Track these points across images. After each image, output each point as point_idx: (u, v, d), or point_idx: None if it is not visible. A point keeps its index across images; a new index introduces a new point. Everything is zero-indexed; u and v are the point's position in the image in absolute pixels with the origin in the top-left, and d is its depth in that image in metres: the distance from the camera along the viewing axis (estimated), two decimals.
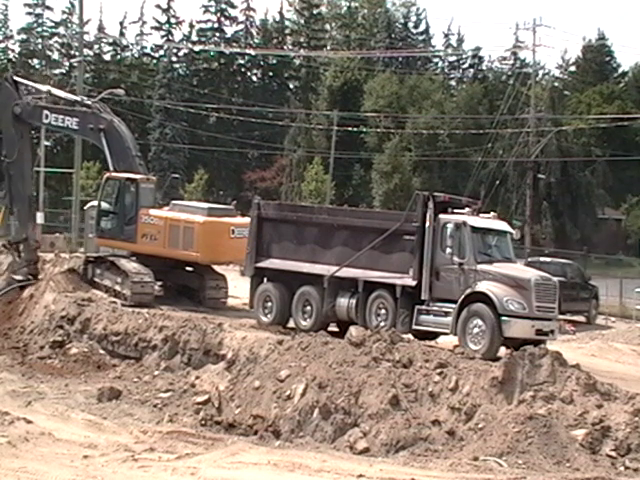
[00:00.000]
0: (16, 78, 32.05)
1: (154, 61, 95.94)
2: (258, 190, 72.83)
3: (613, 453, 16.92)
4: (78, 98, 32.13)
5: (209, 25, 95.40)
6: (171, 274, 28.23)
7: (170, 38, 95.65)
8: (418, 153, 76.87)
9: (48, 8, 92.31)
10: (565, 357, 18.98)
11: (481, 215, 22.45)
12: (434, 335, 21.91)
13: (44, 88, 32.99)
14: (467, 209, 22.20)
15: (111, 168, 28.70)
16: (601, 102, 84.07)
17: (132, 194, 28.00)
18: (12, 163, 30.16)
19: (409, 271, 21.66)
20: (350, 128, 74.52)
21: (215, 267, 28.65)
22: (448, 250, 21.25)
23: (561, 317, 29.39)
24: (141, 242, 27.62)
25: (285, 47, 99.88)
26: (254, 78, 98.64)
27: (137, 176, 28.09)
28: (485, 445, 17.15)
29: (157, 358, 23.64)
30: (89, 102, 30.66)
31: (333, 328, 23.37)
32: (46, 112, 30.37)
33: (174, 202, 29.26)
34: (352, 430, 18.36)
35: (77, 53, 65.10)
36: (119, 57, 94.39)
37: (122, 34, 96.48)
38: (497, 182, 62.44)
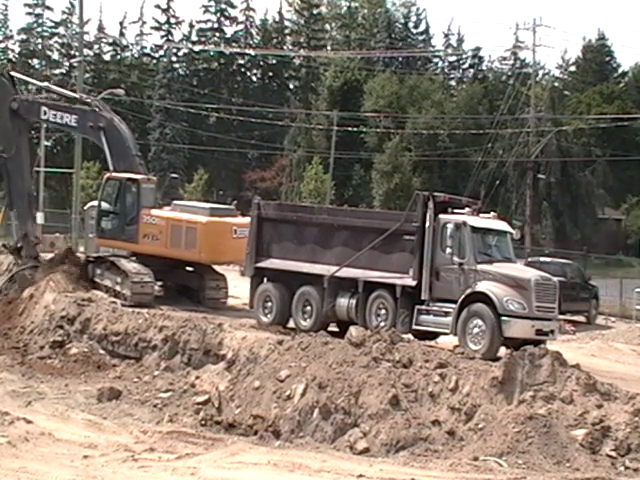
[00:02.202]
0: (13, 73, 31.68)
1: (154, 61, 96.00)
2: (258, 190, 72.82)
3: (613, 453, 16.91)
4: (77, 95, 31.87)
5: (209, 25, 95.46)
6: (171, 274, 28.22)
7: (170, 38, 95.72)
8: (418, 153, 76.84)
9: (48, 8, 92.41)
10: (565, 357, 18.97)
11: (481, 215, 22.45)
12: (434, 335, 21.91)
13: (42, 84, 32.63)
14: (467, 209, 22.20)
15: (111, 167, 28.61)
16: (601, 102, 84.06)
17: (133, 194, 27.93)
18: (10, 159, 29.94)
19: (409, 271, 21.66)
20: (350, 128, 74.50)
21: (215, 267, 28.68)
22: (448, 250, 21.25)
23: (561, 317, 29.39)
24: (142, 242, 27.58)
25: (285, 47, 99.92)
26: (254, 78, 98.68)
27: (138, 176, 28.04)
28: (485, 445, 17.14)
29: (157, 358, 23.63)
30: (89, 100, 30.46)
31: (333, 328, 23.37)
32: (44, 108, 30.04)
33: (175, 202, 29.25)
34: (352, 430, 18.36)
35: (77, 53, 65.06)
36: (119, 57, 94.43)
37: (122, 34, 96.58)
38: (497, 182, 62.45)
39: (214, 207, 29.00)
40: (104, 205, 28.86)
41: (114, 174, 28.43)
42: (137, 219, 27.65)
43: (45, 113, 30.01)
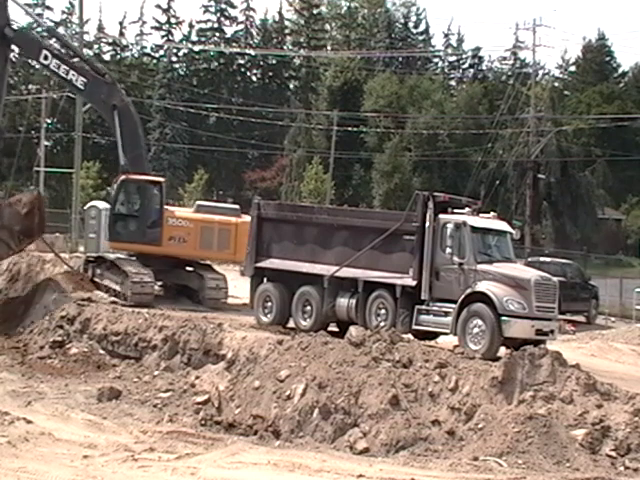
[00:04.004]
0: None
1: (154, 61, 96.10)
2: (258, 190, 72.86)
3: (613, 453, 16.90)
4: (86, 57, 29.34)
5: (209, 25, 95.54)
6: (171, 274, 28.22)
7: (170, 38, 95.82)
8: (418, 153, 76.88)
9: (48, 8, 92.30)
10: (565, 357, 18.97)
11: (481, 215, 22.45)
12: (434, 335, 21.91)
13: (47, 23, 29.62)
14: (467, 209, 22.20)
15: (120, 153, 27.76)
16: (601, 102, 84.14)
17: (155, 197, 27.74)
18: None
19: (409, 271, 21.65)
20: (350, 128, 74.52)
21: (215, 267, 28.72)
22: (448, 250, 21.24)
23: (561, 317, 29.38)
24: (167, 244, 27.46)
25: (285, 47, 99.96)
26: (254, 78, 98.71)
27: (160, 179, 27.96)
28: (485, 445, 17.13)
29: (157, 358, 23.63)
30: (104, 71, 28.50)
31: (333, 328, 23.37)
32: (46, 53, 27.86)
33: (199, 203, 29.41)
34: (352, 430, 18.34)
35: None
36: (119, 57, 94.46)
37: (122, 34, 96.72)
38: (497, 182, 62.45)
39: (237, 208, 29.34)
40: (121, 208, 28.07)
41: (132, 176, 27.75)
42: (160, 221, 27.48)
43: (47, 58, 27.65)
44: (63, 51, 29.89)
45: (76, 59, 29.60)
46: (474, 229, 21.40)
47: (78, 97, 45.70)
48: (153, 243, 27.42)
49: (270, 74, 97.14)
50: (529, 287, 20.58)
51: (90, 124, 74.35)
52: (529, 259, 39.39)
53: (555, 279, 21.81)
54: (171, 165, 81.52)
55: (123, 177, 27.93)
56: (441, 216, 21.65)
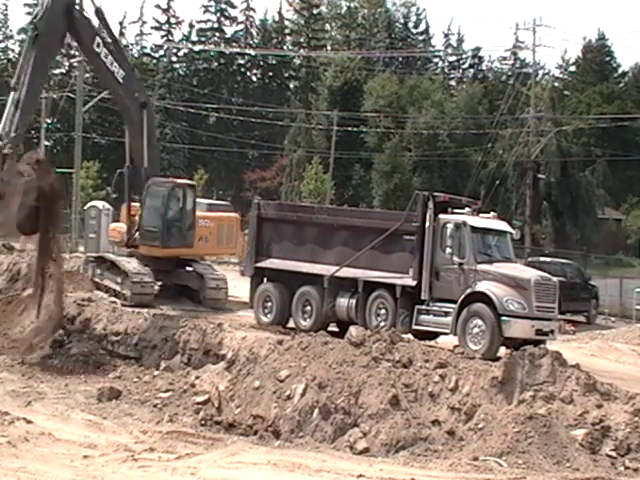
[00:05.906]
0: None
1: (154, 61, 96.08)
2: (258, 190, 72.84)
3: (613, 453, 16.91)
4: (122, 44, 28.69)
5: (209, 25, 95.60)
6: (171, 274, 28.24)
7: (170, 38, 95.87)
8: (418, 153, 76.83)
9: None
10: (565, 357, 18.98)
11: (481, 215, 22.47)
12: (434, 335, 21.92)
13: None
14: (467, 209, 22.21)
15: (145, 155, 27.33)
16: (601, 102, 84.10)
17: (192, 199, 28.06)
18: (42, 45, 24.75)
19: (409, 271, 21.67)
20: (350, 128, 74.48)
21: (215, 267, 28.75)
22: (448, 250, 21.26)
23: (561, 317, 29.38)
24: (197, 245, 27.97)
25: (285, 47, 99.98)
26: (254, 78, 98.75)
27: (193, 182, 28.37)
28: (485, 445, 17.14)
29: (157, 358, 23.63)
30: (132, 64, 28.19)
31: (333, 328, 23.38)
32: (99, 40, 26.42)
33: (210, 202, 29.81)
34: (352, 430, 18.35)
35: (77, 53, 65.04)
36: None
37: (122, 34, 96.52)
38: (497, 182, 62.41)
39: (229, 204, 30.43)
40: (170, 213, 27.81)
41: (178, 181, 28.38)
42: (194, 224, 27.85)
43: (99, 46, 26.22)
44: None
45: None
46: (474, 229, 21.41)
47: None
48: (188, 245, 27.81)
49: (270, 74, 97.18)
50: (529, 287, 20.60)
51: (90, 124, 74.41)
52: (529, 259, 39.39)
53: (555, 279, 21.83)
54: (171, 165, 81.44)
55: (174, 182, 28.27)
56: (441, 216, 21.67)
